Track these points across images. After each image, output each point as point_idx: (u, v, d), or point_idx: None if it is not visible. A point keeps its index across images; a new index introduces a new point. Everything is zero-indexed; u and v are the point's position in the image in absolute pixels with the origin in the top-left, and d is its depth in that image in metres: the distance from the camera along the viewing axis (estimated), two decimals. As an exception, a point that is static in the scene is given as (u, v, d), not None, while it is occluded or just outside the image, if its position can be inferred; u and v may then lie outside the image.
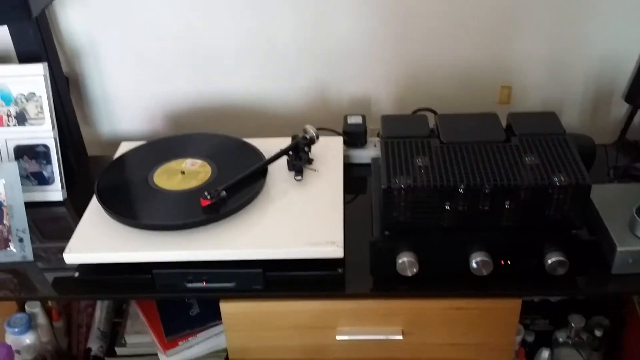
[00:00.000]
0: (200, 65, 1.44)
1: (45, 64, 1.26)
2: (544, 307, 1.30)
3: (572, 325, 1.25)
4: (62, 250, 1.06)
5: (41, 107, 1.26)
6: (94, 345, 1.37)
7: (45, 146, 1.28)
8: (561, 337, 1.27)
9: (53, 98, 1.28)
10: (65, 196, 1.31)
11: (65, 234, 1.12)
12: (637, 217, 1.04)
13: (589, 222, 1.04)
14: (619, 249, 1.03)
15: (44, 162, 1.29)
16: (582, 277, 1.05)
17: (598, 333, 1.27)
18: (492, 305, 1.07)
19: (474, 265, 1.01)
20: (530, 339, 1.29)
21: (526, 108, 1.44)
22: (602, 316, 1.31)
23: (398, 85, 1.45)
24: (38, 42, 1.30)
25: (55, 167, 1.29)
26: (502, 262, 1.03)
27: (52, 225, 1.26)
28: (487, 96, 1.45)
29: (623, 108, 1.44)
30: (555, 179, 0.97)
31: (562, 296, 1.27)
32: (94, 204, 1.15)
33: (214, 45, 1.41)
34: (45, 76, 1.25)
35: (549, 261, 1.00)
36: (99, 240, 1.07)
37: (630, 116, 1.42)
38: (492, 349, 1.12)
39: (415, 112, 1.37)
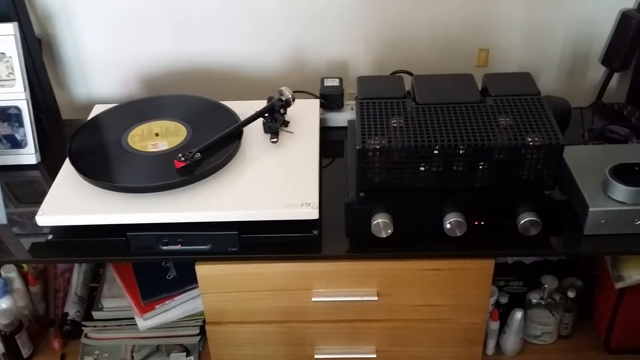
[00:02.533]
0: (176, 26, 1.41)
1: (16, 23, 1.23)
2: (517, 269, 1.31)
3: (545, 286, 1.27)
4: (35, 213, 1.05)
5: (12, 68, 1.24)
6: (71, 309, 1.37)
7: (17, 108, 1.26)
8: (534, 298, 1.29)
9: (24, 59, 1.26)
10: (39, 159, 1.30)
11: (38, 197, 1.11)
12: (610, 178, 1.05)
13: (562, 183, 1.05)
14: (591, 209, 1.04)
15: (17, 124, 1.27)
16: (554, 238, 1.06)
17: (571, 294, 1.29)
18: (466, 266, 1.08)
19: (448, 225, 1.01)
20: (504, 300, 1.30)
21: (503, 71, 1.43)
22: (575, 278, 1.33)
23: (376, 48, 1.44)
24: (8, 2, 1.27)
25: (28, 130, 1.27)
26: (476, 223, 1.03)
27: (25, 188, 1.24)
28: (464, 59, 1.44)
29: (600, 71, 1.45)
30: (529, 139, 0.97)
31: (535, 256, 1.28)
32: (67, 166, 1.14)
33: (190, 6, 1.39)
34: (15, 36, 1.23)
35: (522, 221, 1.01)
36: (72, 202, 1.06)
37: (607, 79, 1.42)
38: (466, 309, 1.14)
39: (392, 74, 1.36)
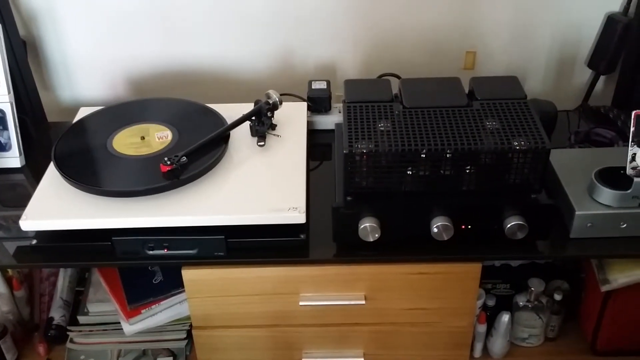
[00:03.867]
0: (163, 28, 1.41)
1: (0, 26, 1.22)
2: (504, 272, 1.32)
3: (532, 289, 1.27)
4: (20, 217, 1.04)
5: (-5, 71, 1.23)
6: (57, 314, 1.36)
7: (1, 111, 1.25)
8: (521, 300, 1.29)
9: (9, 61, 1.25)
10: (24, 163, 1.28)
11: (23, 201, 1.10)
12: (596, 182, 1.05)
13: (548, 187, 1.05)
14: (577, 212, 1.04)
15: (0, 127, 1.26)
16: (541, 241, 1.07)
17: (557, 297, 1.29)
18: (453, 270, 1.08)
19: (435, 230, 1.01)
20: (491, 303, 1.31)
21: (490, 74, 1.45)
22: (562, 280, 1.33)
23: (364, 50, 1.43)
24: (-9, 4, 1.26)
25: (12, 133, 1.26)
26: (463, 227, 1.03)
27: (9, 192, 1.23)
28: (452, 61, 1.44)
29: (586, 74, 1.45)
30: (515, 143, 0.97)
31: (522, 260, 1.29)
32: (52, 170, 1.13)
33: (177, 7, 1.38)
34: (-1, 38, 1.22)
35: (509, 225, 1.01)
36: (57, 206, 1.05)
37: (593, 82, 1.43)
38: (453, 312, 1.14)
39: (379, 77, 1.36)
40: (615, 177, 1.05)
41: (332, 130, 1.29)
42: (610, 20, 1.36)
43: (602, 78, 1.45)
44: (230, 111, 1.22)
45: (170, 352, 1.33)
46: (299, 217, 1.03)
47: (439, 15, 1.39)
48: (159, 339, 1.31)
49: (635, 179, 1.02)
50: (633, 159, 1.02)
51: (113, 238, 1.04)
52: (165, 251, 1.05)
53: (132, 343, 1.32)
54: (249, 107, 1.21)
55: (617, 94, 1.44)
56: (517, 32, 1.41)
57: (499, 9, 1.38)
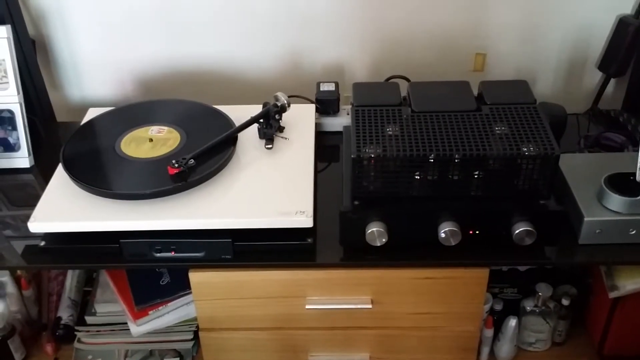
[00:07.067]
0: (172, 28, 1.41)
1: (9, 26, 1.22)
2: (512, 276, 1.31)
3: (540, 294, 1.26)
4: (29, 217, 1.04)
5: (5, 71, 1.23)
6: (65, 314, 1.37)
7: (10, 111, 1.25)
8: (528, 305, 1.29)
9: (18, 62, 1.25)
10: (32, 163, 1.29)
11: (32, 201, 1.10)
12: (606, 188, 1.05)
13: (557, 192, 1.04)
14: (586, 219, 1.03)
15: (9, 128, 1.26)
16: (549, 247, 1.06)
17: (565, 302, 1.28)
18: (460, 275, 1.07)
19: (442, 234, 1.01)
20: (498, 307, 1.30)
21: (500, 76, 1.44)
22: (569, 285, 1.33)
23: (372, 52, 1.43)
24: (1, 4, 1.26)
25: (21, 134, 1.26)
26: (471, 232, 1.03)
27: (18, 192, 1.24)
28: (461, 63, 1.44)
29: (596, 77, 1.44)
30: (524, 148, 0.97)
31: (530, 266, 1.28)
32: (60, 171, 1.13)
33: (186, 8, 1.38)
34: (9, 39, 1.22)
35: (517, 231, 1.00)
36: (65, 209, 1.06)
37: (603, 85, 1.42)
38: (460, 317, 1.13)
39: (388, 79, 1.35)
40: (624, 183, 1.04)
41: (340, 132, 1.29)
42: (622, 23, 1.35)
43: (612, 81, 1.44)
44: (238, 113, 1.22)
45: (177, 353, 1.34)
46: (306, 222, 1.03)
47: (449, 17, 1.38)
48: (165, 340, 1.31)
49: (645, 186, 1.01)
50: (643, 165, 1.01)
51: (121, 240, 1.04)
52: (172, 254, 1.05)
53: (139, 343, 1.32)
54: (257, 109, 1.20)
55: (627, 97, 1.42)
56: (527, 34, 1.40)
57: (509, 11, 1.37)
